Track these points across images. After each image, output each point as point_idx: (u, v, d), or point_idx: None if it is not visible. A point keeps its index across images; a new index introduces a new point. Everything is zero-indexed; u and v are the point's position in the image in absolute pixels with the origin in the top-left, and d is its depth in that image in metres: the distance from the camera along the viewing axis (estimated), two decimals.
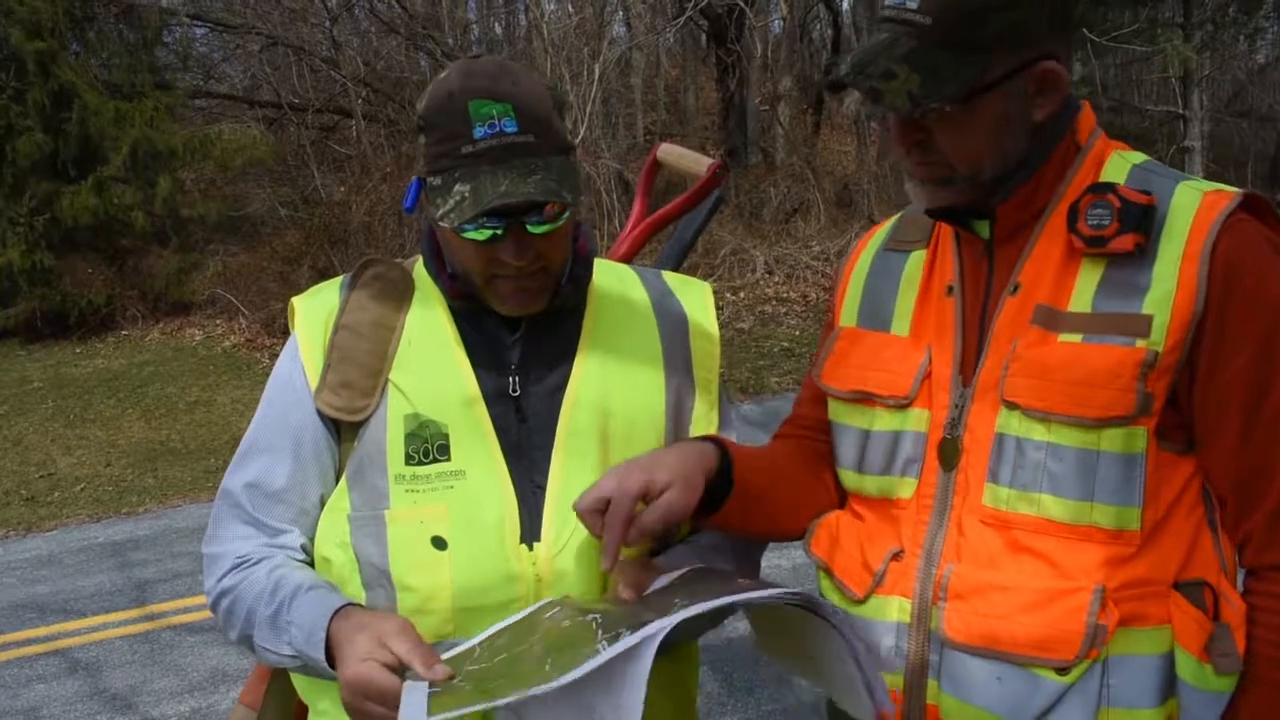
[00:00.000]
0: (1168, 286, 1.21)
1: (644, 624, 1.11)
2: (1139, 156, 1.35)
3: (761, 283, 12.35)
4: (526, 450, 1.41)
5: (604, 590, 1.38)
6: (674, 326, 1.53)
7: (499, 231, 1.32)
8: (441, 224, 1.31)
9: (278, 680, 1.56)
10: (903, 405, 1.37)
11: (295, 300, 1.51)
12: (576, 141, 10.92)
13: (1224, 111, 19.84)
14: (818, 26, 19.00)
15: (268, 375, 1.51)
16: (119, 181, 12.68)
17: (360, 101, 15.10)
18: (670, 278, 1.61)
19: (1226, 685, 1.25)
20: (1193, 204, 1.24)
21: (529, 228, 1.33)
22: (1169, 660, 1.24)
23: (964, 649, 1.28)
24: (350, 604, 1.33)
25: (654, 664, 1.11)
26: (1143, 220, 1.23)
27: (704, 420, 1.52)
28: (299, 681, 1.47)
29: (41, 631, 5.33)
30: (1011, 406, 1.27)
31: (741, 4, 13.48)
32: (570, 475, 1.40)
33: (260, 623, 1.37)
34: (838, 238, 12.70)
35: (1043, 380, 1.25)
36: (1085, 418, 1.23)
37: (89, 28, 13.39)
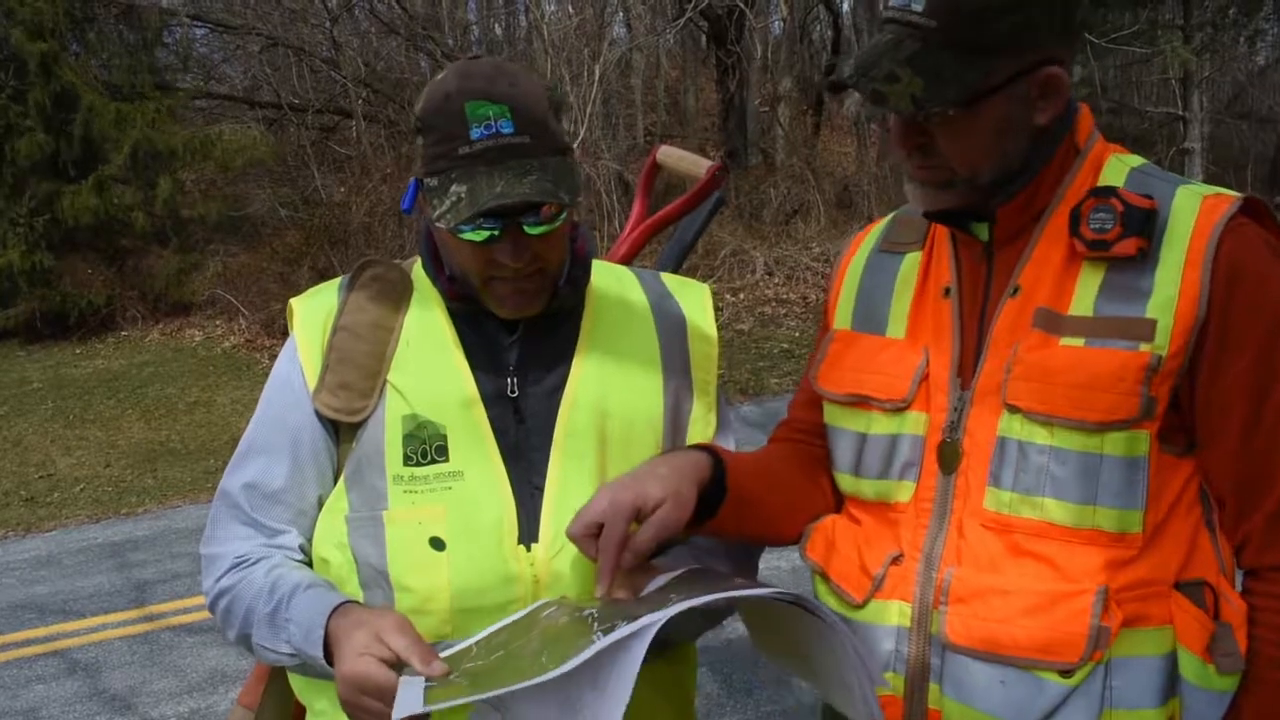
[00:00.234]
0: (1171, 291, 1.22)
1: (639, 618, 1.11)
2: (1137, 159, 1.35)
3: (761, 284, 12.35)
4: (524, 451, 1.41)
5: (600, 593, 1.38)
6: (672, 328, 1.53)
7: (496, 233, 1.32)
8: (439, 225, 1.31)
9: (276, 681, 1.56)
10: (900, 408, 1.37)
11: (294, 301, 1.51)
12: (576, 142, 10.95)
13: (1224, 113, 19.84)
14: (818, 28, 19.02)
15: (267, 376, 1.51)
16: (119, 182, 12.69)
17: (360, 102, 15.11)
18: (669, 279, 1.60)
19: (1229, 685, 1.25)
20: (1193, 208, 1.25)
21: (526, 229, 1.33)
22: (1171, 660, 1.24)
23: (966, 653, 1.28)
24: (348, 601, 1.33)
25: (652, 665, 1.11)
26: (1145, 224, 1.23)
27: (702, 422, 1.52)
28: (296, 682, 1.47)
29: (41, 632, 5.33)
30: (1014, 410, 1.27)
31: (741, 5, 13.49)
32: (568, 476, 1.40)
33: (258, 621, 1.37)
34: (838, 239, 12.70)
35: (1045, 384, 1.25)
36: (1088, 421, 1.22)
37: (89, 28, 13.40)
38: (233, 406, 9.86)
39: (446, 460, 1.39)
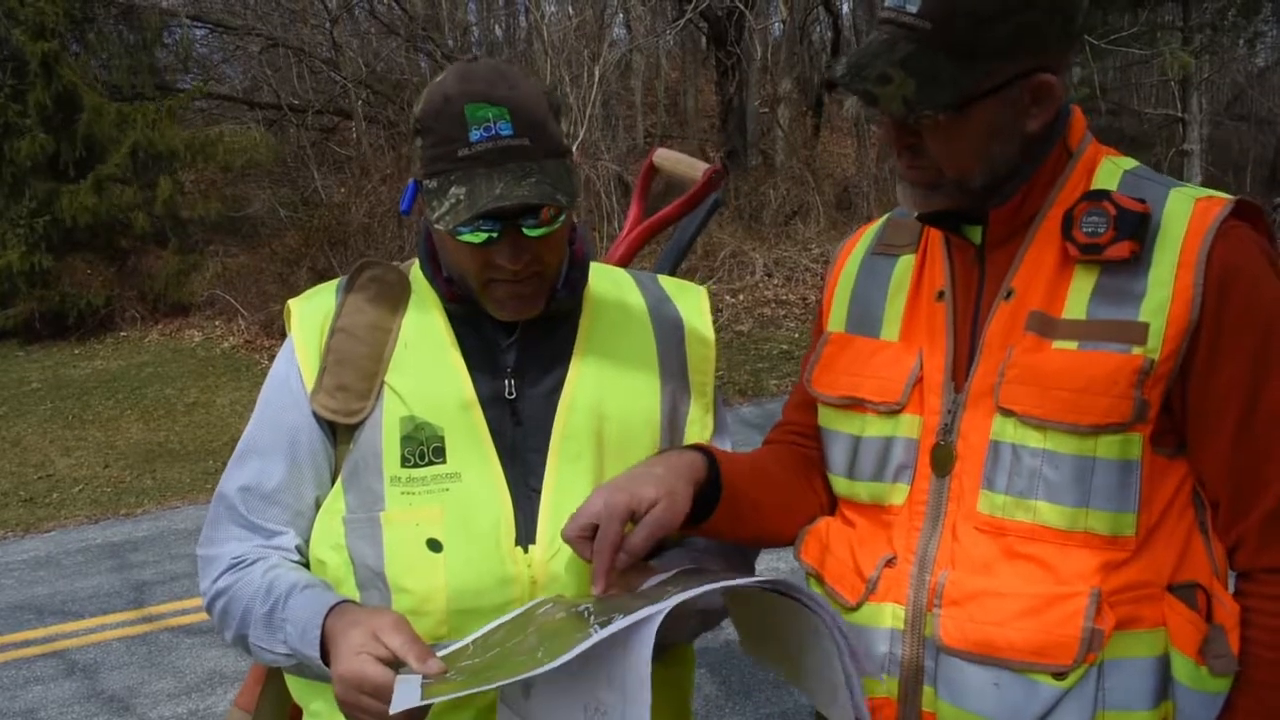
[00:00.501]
0: (1163, 294, 1.22)
1: (636, 611, 1.11)
2: (1129, 162, 1.35)
3: (761, 285, 12.35)
4: (522, 453, 1.41)
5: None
6: (670, 331, 1.53)
7: (495, 235, 1.32)
8: (437, 226, 1.31)
9: (273, 683, 1.56)
10: (894, 411, 1.37)
11: (291, 303, 1.51)
12: (576, 144, 10.95)
13: (1223, 115, 19.87)
14: (818, 29, 19.02)
15: (266, 376, 1.51)
16: (119, 182, 12.70)
17: (360, 103, 15.12)
18: (666, 282, 1.61)
19: (1222, 686, 1.25)
20: (1186, 211, 1.25)
21: (525, 231, 1.33)
22: (1164, 662, 1.24)
23: (960, 655, 1.28)
24: (345, 601, 1.33)
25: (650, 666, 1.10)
26: (1138, 228, 1.23)
27: (699, 424, 1.52)
28: (293, 683, 1.47)
29: (39, 633, 5.33)
30: (1007, 413, 1.27)
31: (741, 6, 13.49)
32: (565, 478, 1.40)
33: (255, 621, 1.37)
34: (837, 240, 12.59)
35: (1039, 387, 1.25)
36: (1081, 425, 1.23)
37: (89, 28, 13.41)
38: (232, 407, 9.86)
39: (444, 462, 1.39)
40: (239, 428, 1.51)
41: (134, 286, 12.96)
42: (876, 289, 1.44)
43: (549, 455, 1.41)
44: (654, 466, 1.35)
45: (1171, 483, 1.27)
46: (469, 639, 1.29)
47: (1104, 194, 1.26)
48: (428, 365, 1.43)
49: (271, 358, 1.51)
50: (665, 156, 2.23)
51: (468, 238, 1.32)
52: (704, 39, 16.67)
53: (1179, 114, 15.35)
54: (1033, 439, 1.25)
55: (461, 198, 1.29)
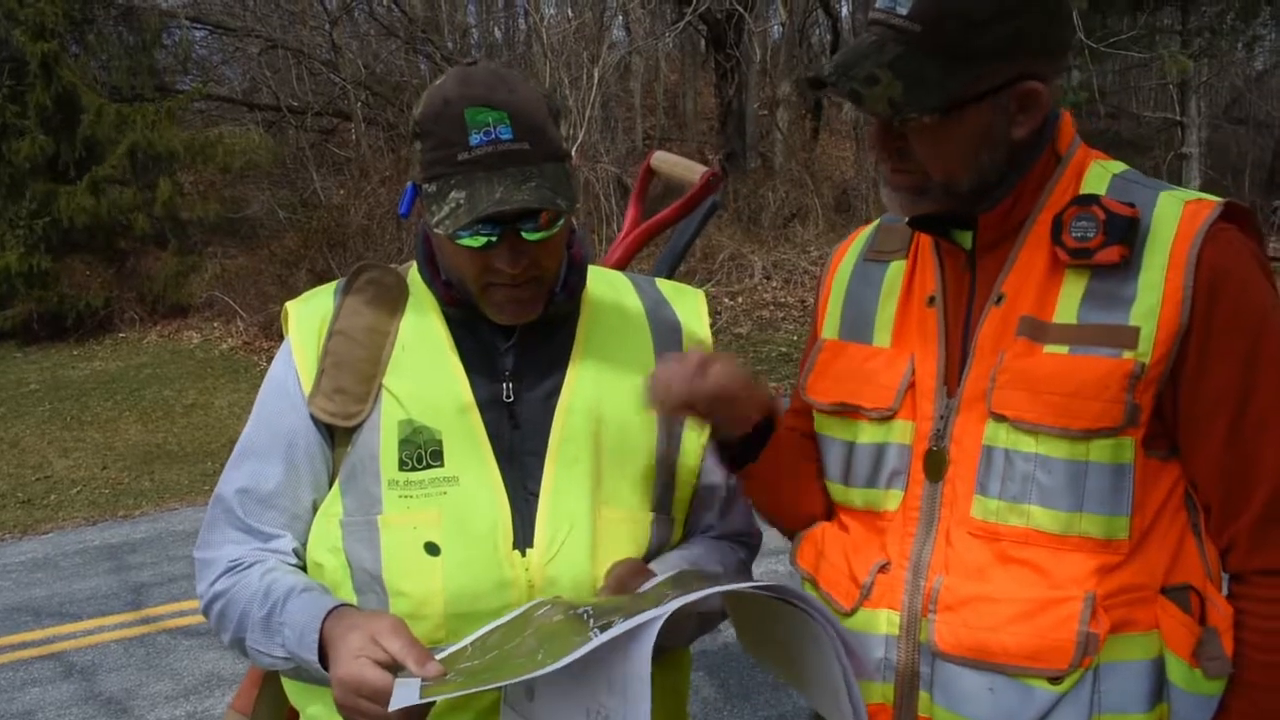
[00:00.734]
0: (1154, 298, 1.22)
1: (637, 614, 1.11)
2: (1119, 166, 1.35)
3: (759, 288, 12.35)
4: (519, 456, 1.41)
5: (595, 594, 1.39)
6: (667, 334, 1.53)
7: (493, 239, 1.32)
8: (437, 230, 1.31)
9: (269, 686, 1.56)
10: (886, 417, 1.37)
11: (289, 305, 1.51)
12: (575, 146, 10.95)
13: (1222, 118, 19.90)
14: (817, 32, 19.04)
15: (264, 379, 1.51)
16: (118, 184, 12.69)
17: (359, 105, 15.13)
18: (664, 286, 1.61)
19: (1216, 689, 1.26)
20: (1175, 214, 1.25)
21: (524, 235, 1.33)
22: (1159, 665, 1.24)
23: (955, 660, 1.28)
24: (343, 605, 1.33)
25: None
26: (1128, 232, 1.23)
27: (695, 429, 1.52)
28: (290, 686, 1.47)
29: (37, 635, 5.32)
30: (999, 419, 1.28)
31: (740, 9, 13.49)
32: (563, 482, 1.40)
33: (253, 625, 1.37)
34: (836, 243, 12.68)
35: (1031, 392, 1.25)
36: (1073, 429, 1.23)
37: (88, 29, 13.41)
38: (230, 409, 9.86)
39: (441, 465, 1.39)
40: (237, 429, 1.50)
41: (133, 288, 12.96)
42: (869, 296, 1.45)
43: (547, 458, 1.41)
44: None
45: (1164, 486, 1.27)
46: (467, 641, 1.29)
47: (1093, 198, 1.26)
48: (425, 368, 1.43)
49: (270, 359, 1.51)
50: (663, 159, 2.23)
51: (467, 242, 1.32)
52: (703, 41, 16.68)
53: (1178, 117, 15.38)
54: (1025, 444, 1.26)
55: (461, 201, 1.29)
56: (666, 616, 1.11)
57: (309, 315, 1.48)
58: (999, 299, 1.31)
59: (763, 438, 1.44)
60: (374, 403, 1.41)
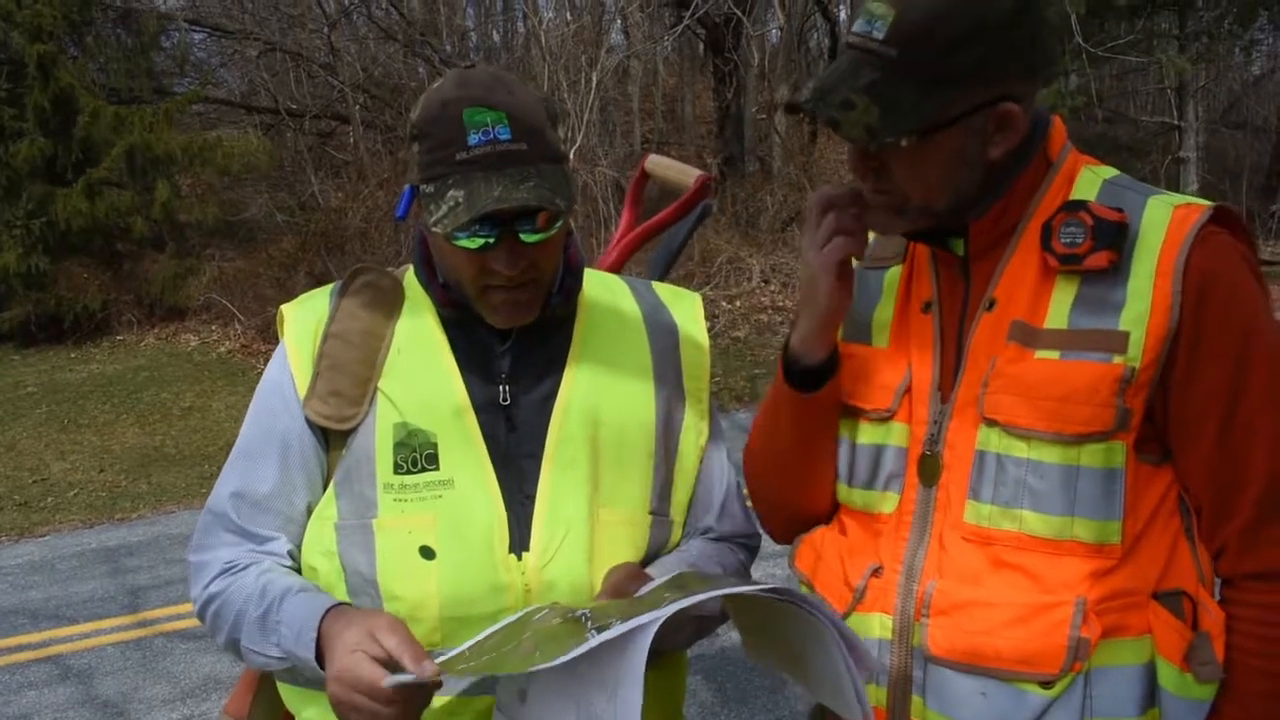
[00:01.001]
0: (1143, 302, 1.22)
1: (634, 616, 1.11)
2: (1109, 171, 1.36)
3: (757, 291, 12.36)
4: (515, 459, 1.41)
5: (592, 598, 1.38)
6: (664, 337, 1.53)
7: (491, 240, 1.32)
8: (435, 230, 1.31)
9: (265, 690, 1.56)
10: (885, 418, 1.38)
11: (284, 308, 1.51)
12: (573, 149, 10.95)
13: (1219, 123, 19.92)
14: (815, 36, 19.06)
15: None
16: (116, 186, 12.69)
17: (358, 108, 15.13)
18: (661, 289, 1.61)
19: (1207, 694, 1.26)
20: (1164, 219, 1.25)
21: (522, 237, 1.33)
22: (1150, 670, 1.25)
23: (948, 665, 1.29)
24: (342, 604, 1.33)
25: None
26: (1116, 237, 1.24)
27: (694, 430, 1.52)
28: (285, 690, 1.47)
29: (33, 638, 5.31)
30: (991, 423, 1.28)
31: (739, 13, 13.51)
32: (559, 485, 1.40)
33: (249, 624, 1.37)
34: None
35: (1022, 397, 1.26)
36: (1065, 434, 1.23)
37: (87, 32, 13.40)
38: (228, 412, 9.85)
39: (437, 468, 1.39)
40: (235, 432, 1.50)
41: (130, 290, 12.95)
42: (866, 303, 1.45)
43: (543, 461, 1.41)
44: None
45: (1157, 490, 1.28)
46: (464, 646, 1.29)
47: (1081, 204, 1.27)
48: (421, 371, 1.43)
49: (268, 362, 1.51)
50: (657, 163, 2.23)
51: (464, 243, 1.32)
52: (701, 45, 16.69)
53: (1175, 121, 15.39)
54: (1017, 448, 1.26)
55: (459, 201, 1.29)
56: (664, 619, 1.11)
57: (304, 318, 1.47)
58: (990, 305, 1.32)
59: (833, 370, 1.41)
60: (369, 406, 1.41)
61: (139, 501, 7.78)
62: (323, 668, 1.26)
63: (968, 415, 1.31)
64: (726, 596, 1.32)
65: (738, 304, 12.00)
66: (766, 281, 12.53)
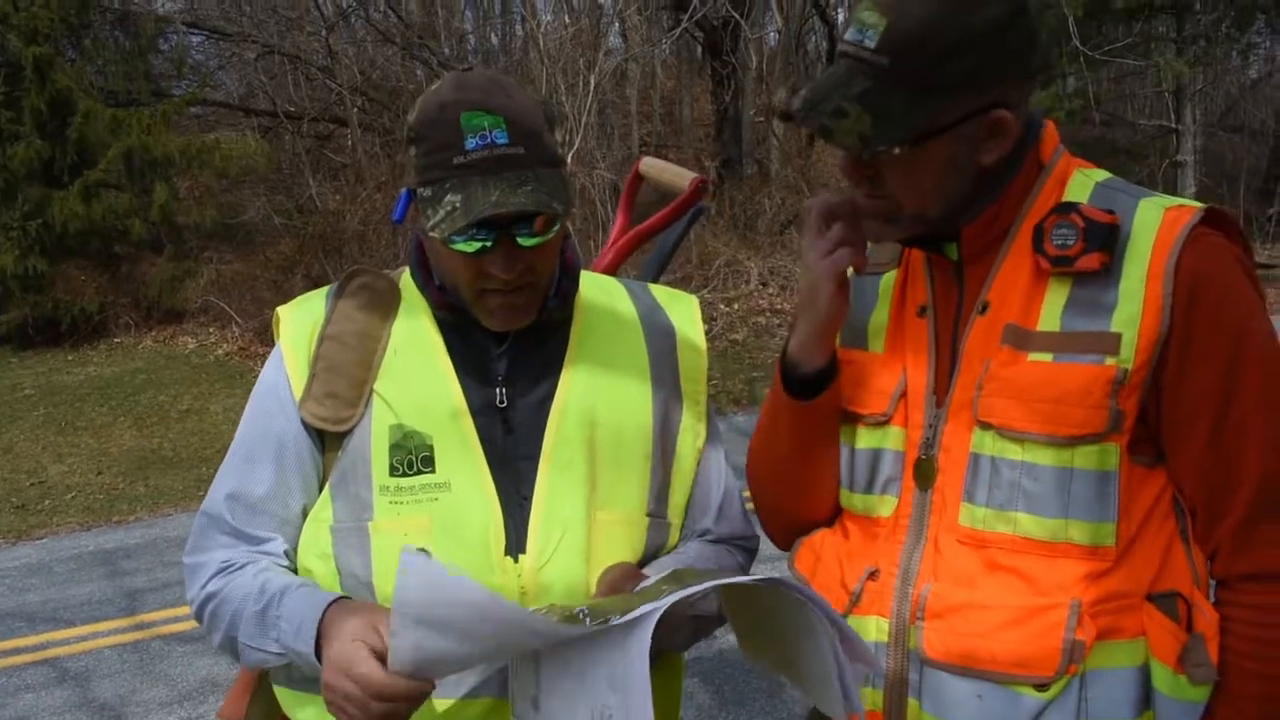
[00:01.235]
0: (1134, 304, 1.23)
1: (633, 609, 1.11)
2: (1101, 174, 1.36)
3: (755, 294, 12.36)
4: (512, 462, 1.41)
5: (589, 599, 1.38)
6: (661, 339, 1.53)
7: (488, 244, 1.32)
8: (431, 234, 1.31)
9: (260, 693, 1.56)
10: (881, 423, 1.38)
11: (280, 310, 1.51)
12: (571, 152, 10.95)
13: (1216, 126, 19.94)
14: (813, 39, 19.07)
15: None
16: (114, 188, 12.68)
17: (356, 110, 15.13)
18: (658, 291, 1.61)
19: (1201, 695, 1.26)
20: (1155, 221, 1.25)
21: (519, 240, 1.33)
22: (1145, 672, 1.25)
23: (944, 667, 1.29)
24: (344, 598, 1.33)
25: None
26: (1107, 239, 1.24)
27: (691, 432, 1.52)
28: (280, 693, 1.46)
29: (30, 640, 5.31)
30: (985, 426, 1.28)
31: (737, 16, 13.51)
32: (556, 487, 1.40)
33: (246, 620, 1.37)
34: None
35: (1016, 400, 1.26)
36: (1059, 436, 1.24)
37: (85, 34, 13.40)
38: (225, 414, 9.84)
39: (433, 471, 1.38)
40: (232, 435, 1.50)
41: (128, 293, 12.94)
42: (863, 308, 1.45)
43: (540, 464, 1.41)
44: None
45: (1151, 492, 1.28)
46: None
47: (1072, 206, 1.27)
48: (417, 373, 1.43)
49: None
50: (651, 165, 2.24)
51: (461, 247, 1.32)
52: (699, 48, 16.70)
53: (1173, 125, 15.42)
54: (1011, 451, 1.26)
55: (457, 205, 1.29)
56: (663, 610, 1.12)
57: (300, 320, 1.47)
58: (984, 308, 1.32)
59: (831, 376, 1.41)
60: (365, 408, 1.41)
61: (136, 504, 7.78)
62: (320, 663, 1.26)
63: (962, 418, 1.31)
64: (724, 594, 1.32)
65: (735, 306, 12.01)
66: (764, 284, 12.53)
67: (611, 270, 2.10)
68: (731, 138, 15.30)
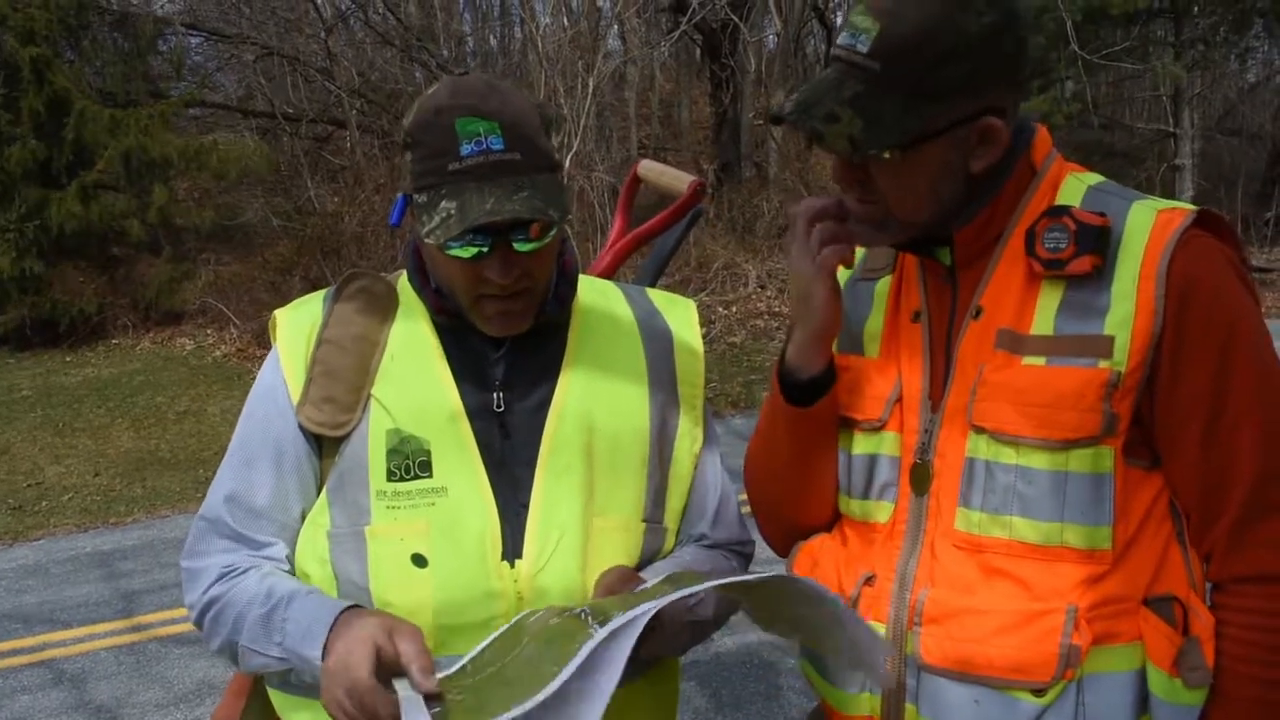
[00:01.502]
0: (1127, 307, 1.23)
1: (634, 608, 1.11)
2: (1094, 177, 1.36)
3: (754, 297, 12.37)
4: (510, 466, 1.41)
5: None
6: (659, 343, 1.53)
7: (484, 250, 1.32)
8: (427, 241, 1.31)
9: (255, 697, 1.55)
10: (876, 428, 1.38)
11: (277, 313, 1.50)
12: (570, 155, 10.95)
13: (1214, 130, 19.96)
14: (812, 41, 19.08)
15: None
16: (112, 190, 12.68)
17: (354, 112, 15.13)
18: (655, 295, 1.61)
19: (1197, 699, 1.26)
20: (1147, 223, 1.26)
21: (515, 246, 1.33)
22: (1141, 676, 1.25)
23: (941, 673, 1.29)
24: (357, 605, 1.33)
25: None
26: (1099, 241, 1.24)
27: (689, 436, 1.52)
28: (275, 696, 1.46)
29: (27, 642, 5.30)
30: (979, 431, 1.29)
31: (736, 19, 13.52)
32: (553, 492, 1.40)
33: (250, 624, 1.36)
34: None
35: (1010, 404, 1.26)
36: (1053, 439, 1.24)
37: (83, 35, 13.40)
38: (223, 416, 9.83)
39: (430, 476, 1.38)
40: (230, 437, 1.50)
41: (126, 294, 12.93)
42: (858, 314, 1.46)
43: (537, 468, 1.41)
44: None
45: (1147, 495, 1.28)
46: (462, 661, 1.28)
47: (1064, 209, 1.27)
48: (414, 377, 1.43)
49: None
50: (649, 168, 2.24)
51: (457, 253, 1.32)
52: (698, 51, 16.71)
53: (1171, 129, 15.42)
54: (1006, 455, 1.27)
55: (452, 212, 1.29)
56: (662, 611, 1.11)
57: (298, 323, 1.47)
58: (977, 312, 1.33)
59: (829, 382, 1.41)
60: (362, 412, 1.41)
61: (133, 506, 7.77)
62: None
63: (957, 423, 1.31)
64: (735, 593, 1.32)
65: (734, 310, 12.01)
66: (763, 287, 12.54)
67: (610, 273, 2.10)
68: (730, 141, 15.31)
